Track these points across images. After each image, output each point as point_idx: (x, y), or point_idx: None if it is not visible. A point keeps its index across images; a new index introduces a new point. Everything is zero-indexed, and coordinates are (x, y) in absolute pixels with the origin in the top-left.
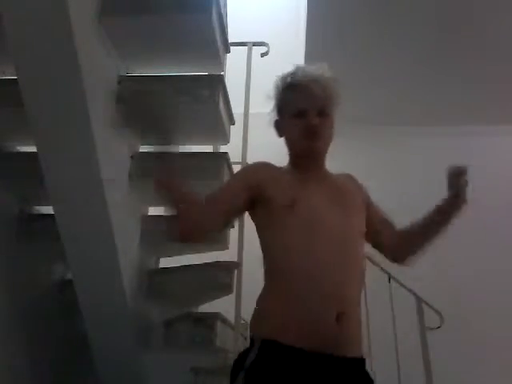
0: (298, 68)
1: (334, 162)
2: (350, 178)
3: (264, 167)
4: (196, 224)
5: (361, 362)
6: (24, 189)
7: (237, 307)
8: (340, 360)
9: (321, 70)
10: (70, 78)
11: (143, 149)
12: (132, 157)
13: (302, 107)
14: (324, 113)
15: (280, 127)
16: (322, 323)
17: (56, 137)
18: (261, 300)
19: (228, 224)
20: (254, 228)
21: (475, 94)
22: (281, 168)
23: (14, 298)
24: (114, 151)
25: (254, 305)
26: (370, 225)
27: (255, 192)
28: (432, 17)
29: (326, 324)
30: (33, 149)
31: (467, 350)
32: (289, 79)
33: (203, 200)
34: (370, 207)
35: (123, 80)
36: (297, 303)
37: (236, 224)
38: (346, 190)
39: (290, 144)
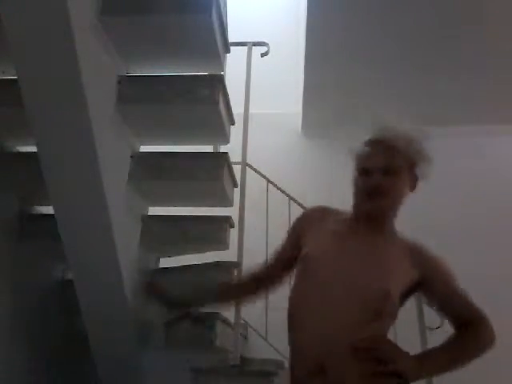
0: (375, 127)
1: (335, 163)
2: (413, 250)
3: (306, 216)
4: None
5: None
6: (24, 189)
7: (237, 307)
8: None
9: (399, 130)
10: (69, 78)
11: (143, 149)
12: (132, 157)
13: (366, 165)
14: (391, 172)
15: (353, 183)
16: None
17: (56, 137)
18: None
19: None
20: (254, 228)
21: (475, 94)
22: (335, 213)
23: (14, 297)
24: (114, 151)
25: (254, 305)
26: (434, 302)
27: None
28: (433, 17)
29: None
30: (33, 149)
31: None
32: (364, 139)
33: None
34: (433, 286)
35: (123, 80)
36: (293, 364)
37: (236, 224)
38: (384, 259)
39: (354, 199)
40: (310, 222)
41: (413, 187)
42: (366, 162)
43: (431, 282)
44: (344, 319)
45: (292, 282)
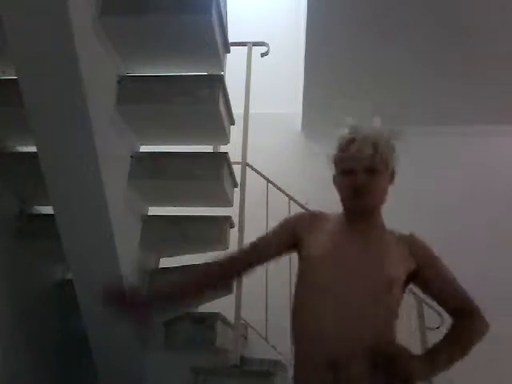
0: (350, 126)
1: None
2: (405, 240)
3: (303, 217)
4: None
5: None
6: (24, 189)
7: (237, 307)
8: None
9: (373, 127)
10: (70, 77)
11: (143, 149)
12: (132, 157)
13: (348, 166)
14: (373, 170)
15: (335, 182)
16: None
17: (56, 137)
18: None
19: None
20: (254, 228)
21: (475, 94)
22: (327, 216)
23: (14, 297)
24: (114, 151)
25: (254, 305)
26: (428, 290)
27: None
28: (434, 16)
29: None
30: (33, 149)
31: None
32: (340, 138)
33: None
34: (427, 273)
35: (123, 80)
36: (299, 367)
37: (236, 224)
38: (384, 248)
39: (341, 199)
40: (304, 226)
41: (392, 180)
42: (350, 163)
43: (426, 270)
44: (355, 314)
45: (296, 283)
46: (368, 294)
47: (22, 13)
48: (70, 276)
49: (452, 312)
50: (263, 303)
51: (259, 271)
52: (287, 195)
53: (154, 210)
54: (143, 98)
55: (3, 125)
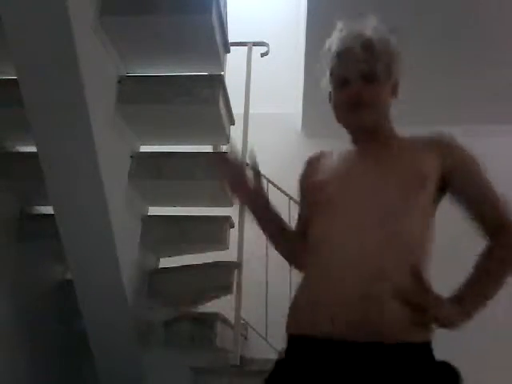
0: (340, 30)
1: None
2: (433, 141)
3: (306, 167)
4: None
5: (405, 347)
6: (24, 189)
7: (237, 307)
8: (369, 346)
9: (365, 27)
10: (70, 78)
11: (143, 149)
12: (132, 157)
13: (342, 76)
14: (371, 77)
15: (331, 103)
16: (340, 305)
17: (56, 137)
18: None
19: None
20: (254, 228)
21: (474, 94)
22: (331, 152)
23: (14, 297)
24: (114, 151)
25: (254, 305)
26: (463, 197)
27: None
28: (434, 17)
29: (345, 305)
30: (33, 149)
31: (468, 349)
32: (328, 46)
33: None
34: (460, 176)
35: (123, 80)
36: (311, 287)
37: (236, 224)
38: (401, 161)
39: (338, 119)
40: (312, 165)
41: (395, 92)
42: (342, 71)
43: (458, 174)
44: (390, 241)
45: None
46: (394, 199)
47: (21, 13)
48: (69, 276)
49: (488, 229)
50: (263, 303)
51: (258, 271)
52: (287, 195)
53: (154, 210)
54: (143, 98)
55: (3, 125)
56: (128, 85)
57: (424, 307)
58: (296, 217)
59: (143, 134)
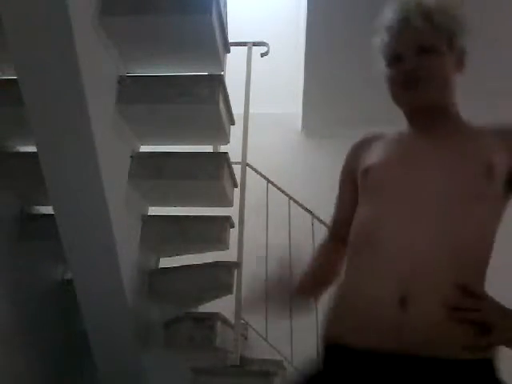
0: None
1: (335, 162)
2: (503, 131)
3: (356, 147)
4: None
5: (462, 364)
6: (24, 189)
7: (237, 307)
8: (427, 362)
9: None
10: (70, 77)
11: (143, 149)
12: (132, 157)
13: (393, 51)
14: (426, 49)
15: (385, 82)
16: (376, 309)
17: (56, 137)
18: None
19: None
20: (254, 228)
21: (474, 94)
22: (383, 134)
23: (13, 297)
24: (114, 151)
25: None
26: None
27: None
28: None
29: (383, 311)
30: (33, 149)
31: None
32: (380, 21)
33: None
34: None
35: (123, 80)
36: (348, 286)
37: (236, 224)
38: (466, 147)
39: (392, 98)
40: (363, 147)
41: (460, 65)
42: (395, 44)
43: None
44: (441, 237)
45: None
46: (436, 206)
47: (22, 13)
48: (69, 276)
49: None
50: (263, 303)
51: (259, 271)
52: (287, 195)
53: (154, 210)
54: (143, 98)
55: (3, 125)
56: (128, 85)
57: (486, 324)
58: (296, 217)
59: (143, 134)
